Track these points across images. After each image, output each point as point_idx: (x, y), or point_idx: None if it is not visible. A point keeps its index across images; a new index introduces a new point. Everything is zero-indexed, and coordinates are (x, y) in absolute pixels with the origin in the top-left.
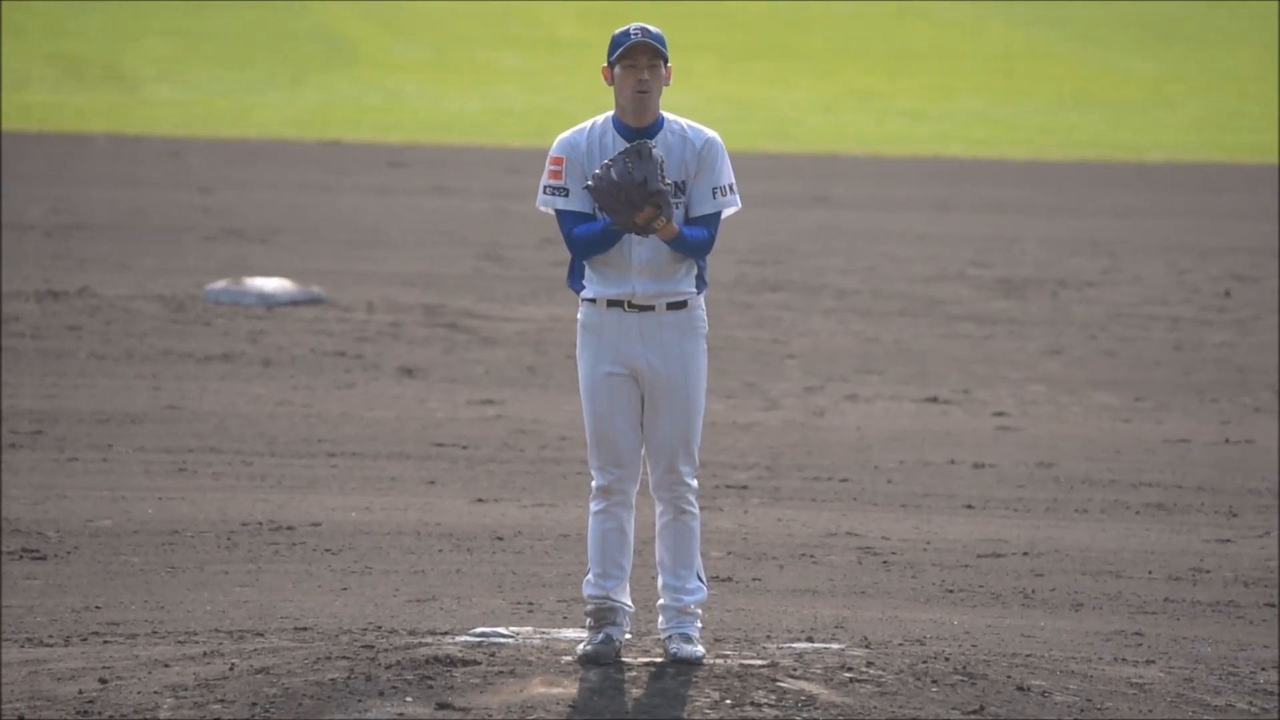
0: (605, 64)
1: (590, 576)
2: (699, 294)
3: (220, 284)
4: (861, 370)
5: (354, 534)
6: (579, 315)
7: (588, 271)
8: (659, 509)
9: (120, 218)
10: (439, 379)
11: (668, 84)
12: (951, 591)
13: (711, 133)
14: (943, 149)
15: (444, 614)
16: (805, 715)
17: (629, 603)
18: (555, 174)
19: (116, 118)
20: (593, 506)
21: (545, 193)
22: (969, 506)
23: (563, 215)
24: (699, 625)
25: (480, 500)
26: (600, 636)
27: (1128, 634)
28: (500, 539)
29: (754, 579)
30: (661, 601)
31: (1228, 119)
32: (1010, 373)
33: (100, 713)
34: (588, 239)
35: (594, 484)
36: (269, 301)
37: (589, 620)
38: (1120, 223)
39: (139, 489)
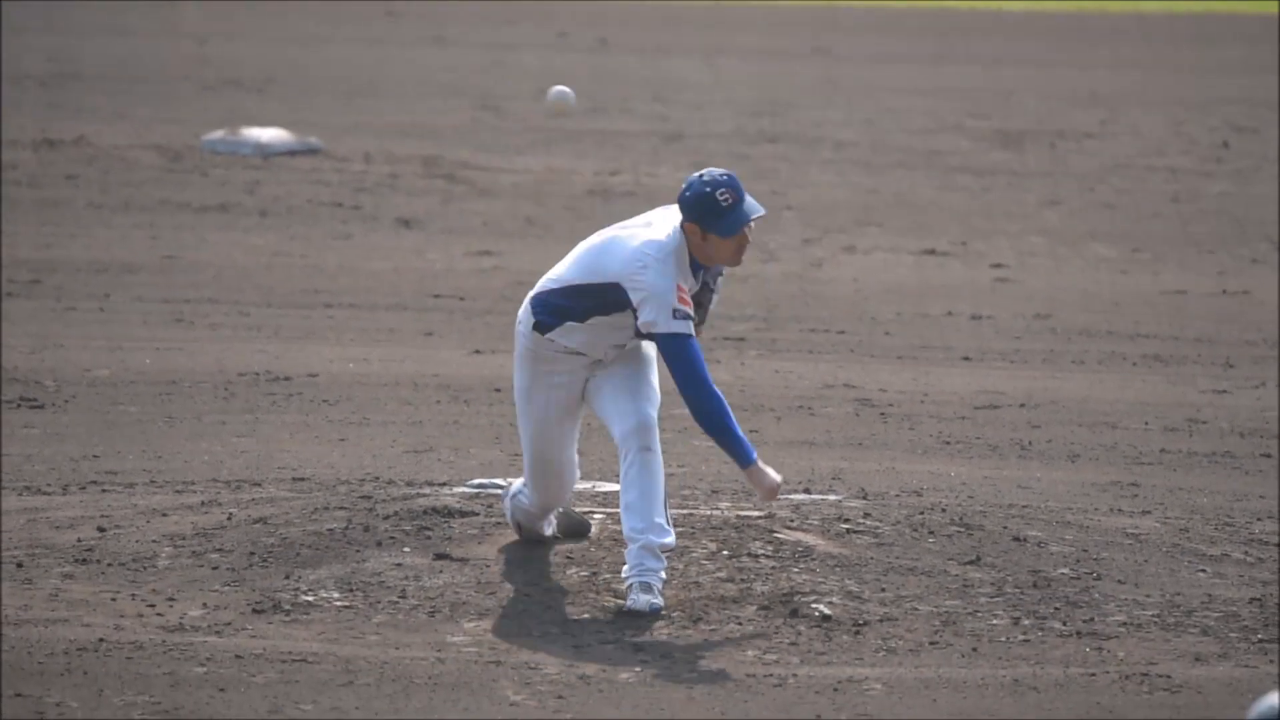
0: (694, 223)
1: (529, 503)
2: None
3: (217, 134)
4: (859, 222)
5: (351, 385)
6: (526, 341)
7: (568, 331)
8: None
9: (116, 68)
10: (436, 230)
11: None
12: (949, 443)
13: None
14: (941, 0)
15: (441, 465)
16: (802, 565)
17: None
18: (687, 302)
19: None
20: (524, 501)
21: (683, 319)
22: (966, 358)
23: (688, 341)
24: None
25: (478, 352)
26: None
27: (1124, 485)
28: (498, 390)
29: (751, 430)
30: None
31: None
32: (1008, 225)
33: (99, 560)
34: (724, 421)
35: (535, 502)
36: (266, 151)
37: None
38: (1118, 74)
39: (136, 339)
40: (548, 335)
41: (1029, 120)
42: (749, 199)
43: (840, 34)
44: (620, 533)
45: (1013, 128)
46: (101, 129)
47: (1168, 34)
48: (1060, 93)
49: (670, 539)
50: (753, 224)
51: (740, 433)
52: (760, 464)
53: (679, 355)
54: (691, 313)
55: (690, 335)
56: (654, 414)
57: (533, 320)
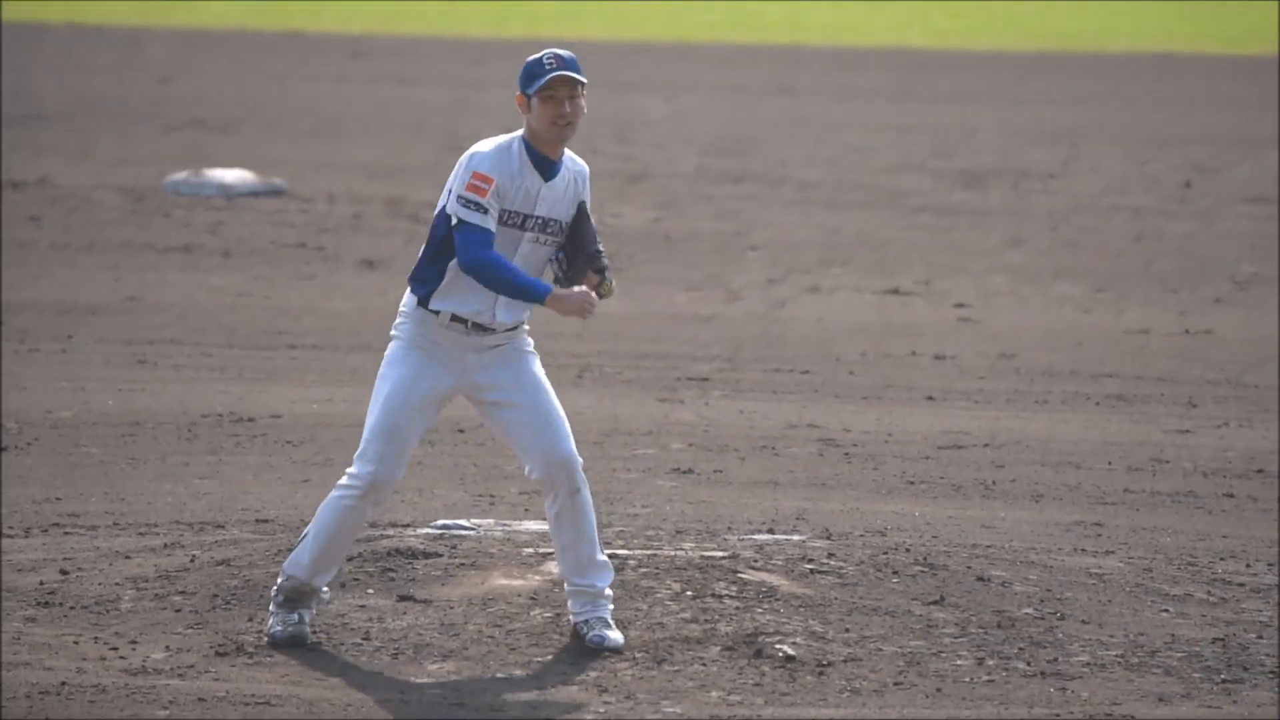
0: (519, 92)
1: (306, 558)
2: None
3: (181, 175)
4: (823, 262)
5: (315, 426)
6: (408, 323)
7: (444, 288)
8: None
9: (79, 107)
10: (400, 271)
11: (584, 111)
12: (913, 483)
13: (585, 165)
14: (904, 39)
15: (405, 506)
16: (766, 606)
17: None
18: (481, 190)
19: (75, 6)
20: (350, 495)
21: (463, 204)
22: (930, 398)
23: (474, 230)
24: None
25: None
26: (295, 617)
27: (1087, 524)
28: (462, 431)
29: (715, 471)
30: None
31: (1189, 8)
32: (972, 264)
33: (61, 603)
34: (503, 276)
35: (365, 474)
36: (229, 193)
37: (280, 597)
38: (1081, 113)
39: (99, 380)
40: (430, 306)
41: (992, 159)
42: (578, 72)
43: (804, 73)
44: None
45: (976, 167)
46: (64, 169)
47: (1130, 74)
48: (1023, 132)
49: (609, 575)
50: (560, 85)
51: (526, 281)
52: (557, 292)
53: (460, 239)
54: (481, 201)
55: (475, 225)
56: (573, 448)
57: (414, 299)
